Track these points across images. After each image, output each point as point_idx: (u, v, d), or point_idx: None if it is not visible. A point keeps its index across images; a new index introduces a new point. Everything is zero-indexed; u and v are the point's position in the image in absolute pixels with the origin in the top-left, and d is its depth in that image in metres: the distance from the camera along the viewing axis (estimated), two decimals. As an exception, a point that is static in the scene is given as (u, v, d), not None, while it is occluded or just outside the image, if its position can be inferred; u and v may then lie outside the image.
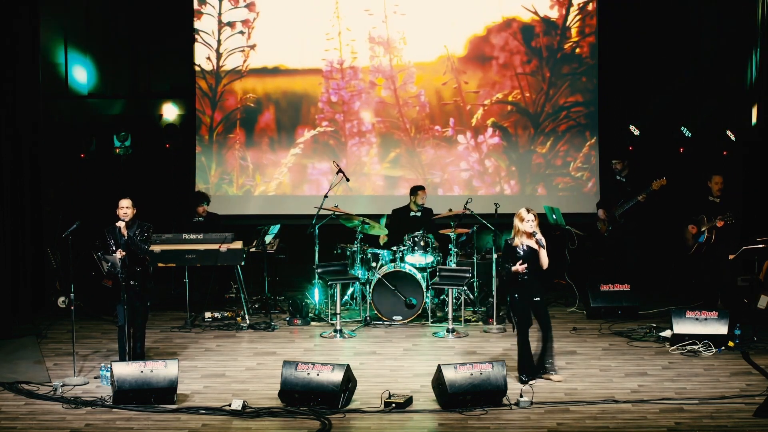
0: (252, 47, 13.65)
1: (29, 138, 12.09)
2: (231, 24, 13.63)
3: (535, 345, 9.18)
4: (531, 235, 8.93)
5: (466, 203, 11.70)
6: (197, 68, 13.67)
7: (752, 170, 12.96)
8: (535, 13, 13.56)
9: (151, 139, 13.62)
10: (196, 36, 13.63)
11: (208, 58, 13.68)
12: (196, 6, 13.63)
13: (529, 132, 13.74)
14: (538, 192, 13.76)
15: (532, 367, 9.05)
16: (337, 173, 12.16)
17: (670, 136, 13.47)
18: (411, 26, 13.63)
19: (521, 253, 8.96)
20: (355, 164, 13.77)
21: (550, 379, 9.06)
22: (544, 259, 8.97)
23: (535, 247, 8.94)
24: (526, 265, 8.92)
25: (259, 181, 13.81)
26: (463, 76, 13.66)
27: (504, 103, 13.70)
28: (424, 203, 12.48)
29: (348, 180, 12.37)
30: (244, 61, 13.68)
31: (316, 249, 11.86)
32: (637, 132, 13.23)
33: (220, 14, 13.61)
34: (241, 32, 13.62)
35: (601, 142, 13.71)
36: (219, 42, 13.62)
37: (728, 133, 13.19)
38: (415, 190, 12.52)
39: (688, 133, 13.38)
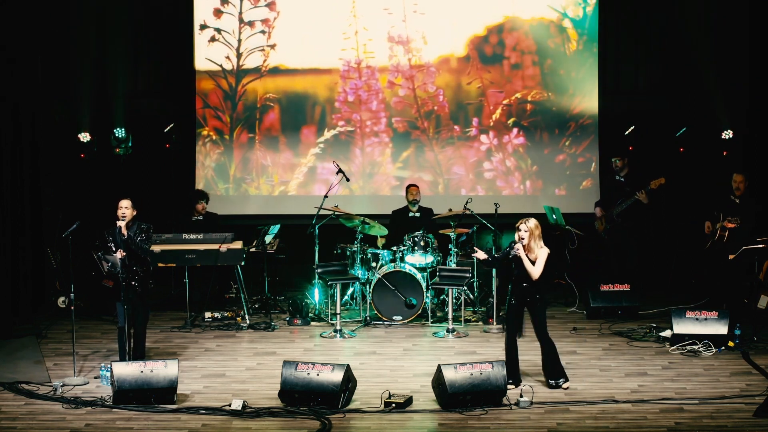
0: (272, 47, 13.61)
1: (29, 138, 12.09)
2: (251, 23, 13.61)
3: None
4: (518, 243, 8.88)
5: (466, 203, 11.70)
6: (219, 68, 13.65)
7: (752, 170, 12.95)
8: (564, 14, 13.52)
9: (151, 139, 13.61)
10: (216, 35, 13.62)
11: (227, 57, 13.66)
12: (217, 5, 13.60)
13: (549, 132, 13.68)
14: (559, 192, 13.71)
15: (513, 371, 8.94)
16: (337, 173, 12.17)
17: (670, 136, 13.46)
18: (430, 25, 13.58)
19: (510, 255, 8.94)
20: (371, 164, 13.75)
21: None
22: (529, 270, 8.81)
23: (519, 256, 8.84)
24: (483, 256, 9.15)
25: (277, 180, 13.79)
26: (484, 75, 13.62)
27: (525, 102, 13.66)
28: (417, 199, 12.46)
29: (348, 180, 12.37)
30: (264, 61, 13.66)
31: (316, 249, 11.86)
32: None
33: (240, 13, 13.60)
34: (262, 32, 13.58)
35: (601, 142, 13.70)
36: (239, 41, 13.60)
37: (728, 132, 13.17)
38: (407, 188, 12.55)
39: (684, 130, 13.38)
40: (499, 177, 13.74)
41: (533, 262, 8.83)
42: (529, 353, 9.42)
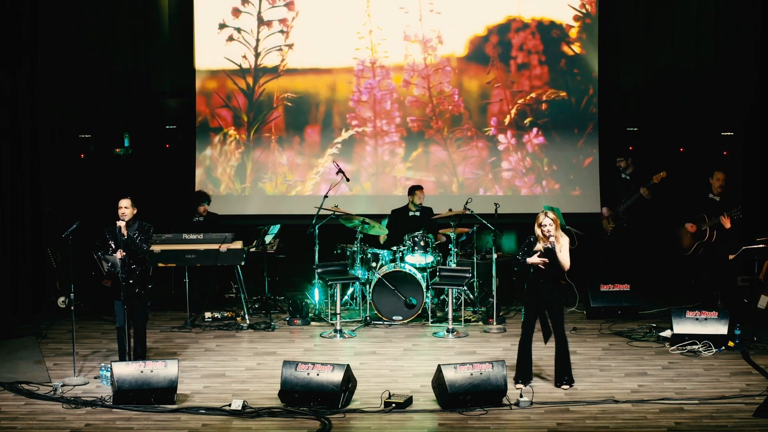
0: (290, 46, 13.62)
1: (29, 138, 12.09)
2: (269, 23, 13.60)
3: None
4: (546, 240, 8.83)
5: (466, 203, 11.70)
6: (237, 67, 13.66)
7: (752, 170, 12.95)
8: (586, 14, 13.51)
9: (151, 139, 13.61)
10: (234, 34, 13.61)
11: (245, 57, 13.66)
12: (237, 4, 13.61)
13: (568, 132, 13.66)
14: (574, 192, 13.70)
15: (527, 372, 8.98)
16: (337, 173, 12.17)
17: (669, 136, 13.46)
18: (447, 25, 13.56)
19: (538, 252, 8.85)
20: (384, 164, 13.73)
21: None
22: (563, 261, 8.81)
23: (552, 248, 8.77)
24: (546, 259, 8.78)
25: (292, 179, 13.80)
26: (501, 75, 13.59)
27: (541, 102, 13.65)
28: (422, 203, 12.48)
29: (348, 180, 12.37)
30: (282, 60, 13.65)
31: (316, 249, 11.86)
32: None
33: (259, 12, 13.60)
34: (281, 31, 13.58)
35: (601, 142, 13.70)
36: (257, 41, 13.60)
37: (728, 132, 13.17)
38: (413, 190, 12.53)
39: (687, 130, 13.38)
40: (517, 177, 13.72)
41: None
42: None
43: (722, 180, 11.48)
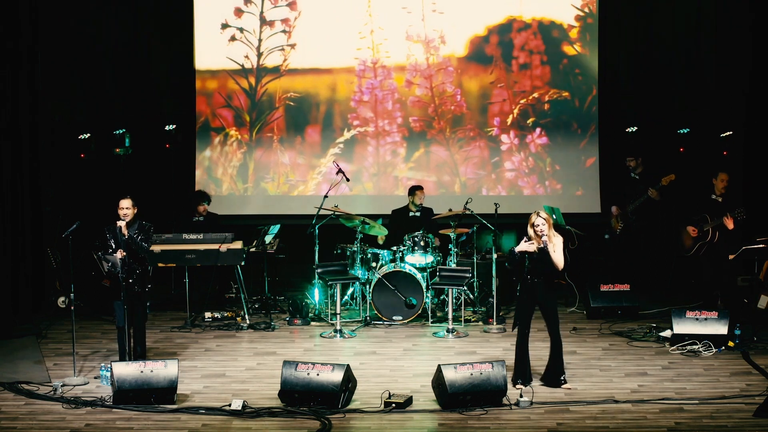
0: (292, 46, 13.63)
1: (29, 138, 12.09)
2: (270, 23, 13.61)
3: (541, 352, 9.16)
4: (539, 239, 8.84)
5: (466, 203, 11.70)
6: (239, 66, 13.67)
7: (752, 170, 12.95)
8: (588, 14, 13.51)
9: (151, 139, 13.60)
10: (237, 34, 13.62)
11: (247, 57, 13.67)
12: (239, 4, 13.62)
13: (568, 132, 13.65)
14: (577, 192, 13.69)
15: (526, 372, 8.99)
16: (337, 173, 12.17)
17: (669, 136, 13.46)
18: (449, 25, 13.57)
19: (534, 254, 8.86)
20: (386, 164, 13.74)
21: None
22: (556, 260, 8.80)
23: (546, 248, 8.77)
24: (533, 243, 8.78)
25: (294, 179, 13.80)
26: (504, 75, 13.59)
27: (544, 102, 13.65)
28: (423, 203, 12.48)
29: (348, 180, 12.37)
30: (284, 60, 13.66)
31: (316, 249, 11.86)
32: None
33: (262, 12, 13.60)
34: (283, 31, 13.59)
35: (601, 142, 13.70)
36: (260, 40, 13.61)
37: (728, 132, 13.17)
38: (414, 190, 12.52)
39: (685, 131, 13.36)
40: (519, 177, 13.72)
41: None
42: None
43: (726, 181, 11.49)
